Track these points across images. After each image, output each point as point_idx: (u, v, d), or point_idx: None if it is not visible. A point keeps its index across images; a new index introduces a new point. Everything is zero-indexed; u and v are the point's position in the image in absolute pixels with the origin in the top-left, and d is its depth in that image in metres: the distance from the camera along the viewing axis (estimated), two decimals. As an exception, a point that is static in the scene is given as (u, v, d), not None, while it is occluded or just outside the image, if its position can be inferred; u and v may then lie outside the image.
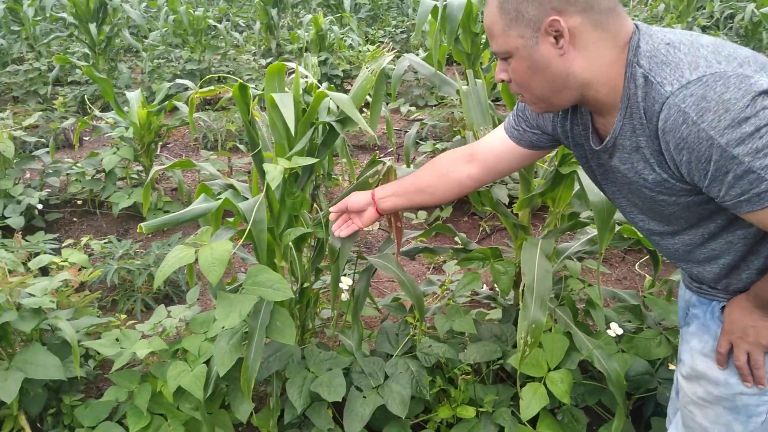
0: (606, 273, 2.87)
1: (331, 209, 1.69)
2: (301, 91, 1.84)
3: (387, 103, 5.57)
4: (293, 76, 1.70)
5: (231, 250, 1.48)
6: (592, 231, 2.10)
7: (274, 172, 1.58)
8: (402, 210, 1.64)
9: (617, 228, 1.95)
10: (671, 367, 1.74)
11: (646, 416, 1.84)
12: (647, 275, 2.63)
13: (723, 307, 1.18)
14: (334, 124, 1.75)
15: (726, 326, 1.15)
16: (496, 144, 1.40)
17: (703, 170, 0.94)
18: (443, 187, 1.49)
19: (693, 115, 0.90)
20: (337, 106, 1.72)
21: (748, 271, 1.11)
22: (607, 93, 1.05)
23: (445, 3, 2.35)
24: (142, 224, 1.49)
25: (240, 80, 1.63)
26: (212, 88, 1.80)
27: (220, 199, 1.71)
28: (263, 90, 1.74)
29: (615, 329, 1.63)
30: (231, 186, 1.94)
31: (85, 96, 5.64)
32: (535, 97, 1.11)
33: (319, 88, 1.83)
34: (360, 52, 6.46)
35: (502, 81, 1.14)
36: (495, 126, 2.05)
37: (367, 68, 1.77)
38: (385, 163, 1.79)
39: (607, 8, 1.00)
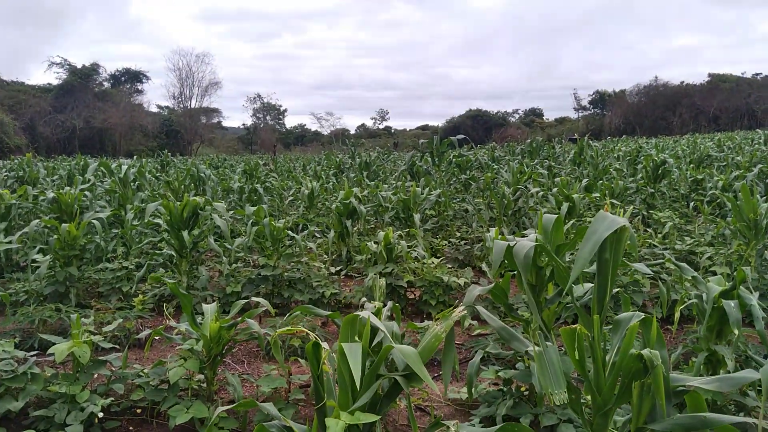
0: None
1: None
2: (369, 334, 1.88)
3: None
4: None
5: None
6: None
7: (336, 427, 1.55)
8: None
9: None
10: None
11: None
12: None
13: None
14: (399, 379, 1.74)
15: None
16: None
17: None
18: None
19: None
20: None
21: None
22: None
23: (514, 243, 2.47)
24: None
25: (315, 337, 1.69)
26: (289, 327, 1.88)
27: (277, 450, 1.67)
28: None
29: None
30: (289, 428, 1.91)
31: (163, 299, 5.97)
32: None
33: (385, 310, 1.87)
34: (424, 264, 6.68)
35: None
36: (569, 388, 1.91)
37: (437, 325, 1.81)
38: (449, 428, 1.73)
39: None
